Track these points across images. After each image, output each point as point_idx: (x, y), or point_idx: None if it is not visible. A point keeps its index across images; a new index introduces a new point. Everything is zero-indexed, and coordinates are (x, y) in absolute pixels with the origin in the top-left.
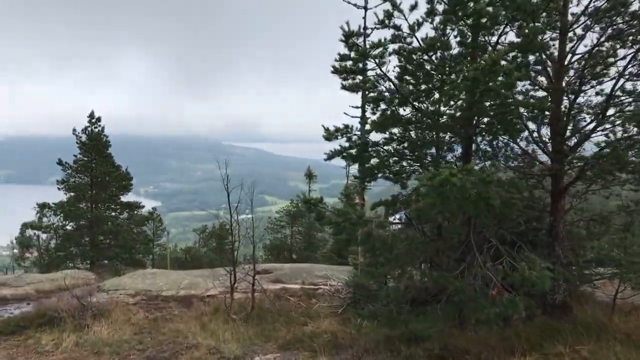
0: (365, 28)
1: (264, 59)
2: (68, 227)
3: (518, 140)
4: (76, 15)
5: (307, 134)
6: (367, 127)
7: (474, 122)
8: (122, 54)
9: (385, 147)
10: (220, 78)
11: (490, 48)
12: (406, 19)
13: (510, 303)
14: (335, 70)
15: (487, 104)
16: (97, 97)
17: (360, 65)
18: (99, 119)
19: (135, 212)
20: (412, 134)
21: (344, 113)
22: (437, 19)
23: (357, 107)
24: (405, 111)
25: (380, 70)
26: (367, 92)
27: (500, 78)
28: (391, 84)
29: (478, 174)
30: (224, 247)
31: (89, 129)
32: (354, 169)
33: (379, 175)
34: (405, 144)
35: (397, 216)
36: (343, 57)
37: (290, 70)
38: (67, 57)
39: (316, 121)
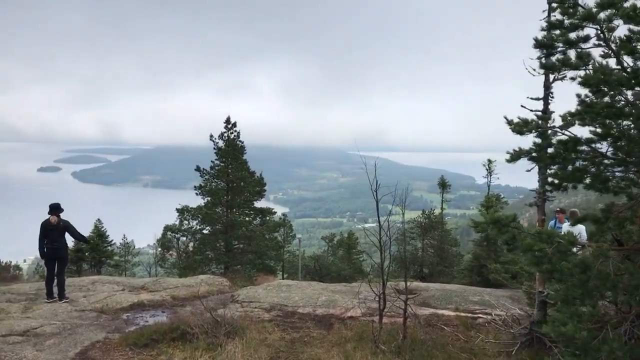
0: None
1: (396, 69)
2: (205, 231)
3: None
4: (223, 26)
5: (433, 143)
6: (551, 122)
7: None
8: (261, 64)
9: (592, 146)
10: (353, 87)
11: None
12: None
13: None
14: (539, 44)
15: None
16: (237, 106)
17: (581, 33)
18: (234, 125)
19: (268, 217)
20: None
21: (521, 106)
22: None
23: (537, 99)
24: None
25: (604, 39)
26: (554, 77)
27: None
28: (615, 59)
29: None
30: (352, 257)
31: (225, 134)
32: (497, 178)
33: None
34: (622, 142)
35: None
36: (552, 25)
37: (420, 79)
38: (212, 67)
39: (442, 131)
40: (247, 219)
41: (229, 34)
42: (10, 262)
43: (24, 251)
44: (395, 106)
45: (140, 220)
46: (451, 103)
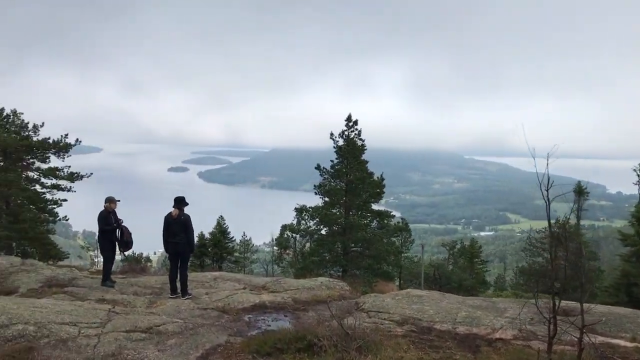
0: None
1: (530, 68)
2: (322, 232)
3: None
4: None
5: (560, 148)
6: None
7: None
8: (383, 61)
9: None
10: (480, 87)
11: None
12: None
13: None
14: None
15: None
16: (356, 106)
17: None
18: (355, 122)
19: (385, 221)
20: None
21: None
22: None
23: None
24: None
25: None
26: None
27: None
28: None
29: None
30: (475, 267)
31: (346, 132)
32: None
33: None
34: None
35: None
36: None
37: (546, 82)
38: (334, 66)
39: (571, 135)
40: (363, 221)
41: (354, 29)
42: (142, 253)
43: (155, 244)
44: (524, 108)
45: (257, 219)
46: (584, 106)
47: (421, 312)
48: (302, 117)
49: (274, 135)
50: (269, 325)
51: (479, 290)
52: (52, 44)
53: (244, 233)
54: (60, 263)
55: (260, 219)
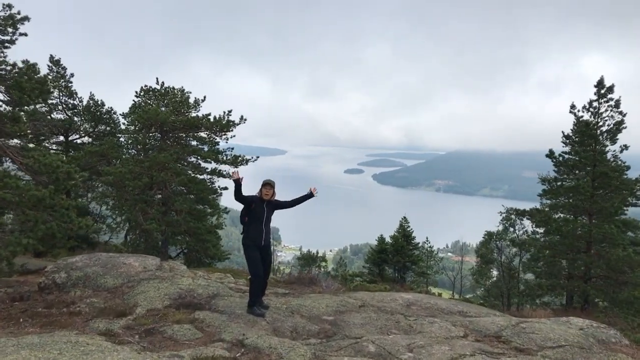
0: None
1: None
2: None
3: None
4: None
5: None
6: None
7: None
8: (594, 52)
9: None
10: None
11: None
12: None
13: None
14: None
15: None
16: (554, 106)
17: None
18: (610, 89)
19: (630, 233)
20: None
21: None
22: None
23: None
24: None
25: None
26: None
27: None
28: None
29: None
30: None
31: (594, 104)
32: None
33: None
34: None
35: None
36: None
37: None
38: (530, 60)
39: None
40: (620, 234)
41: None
42: (317, 251)
43: (331, 242)
44: None
45: (431, 222)
46: None
47: None
48: (483, 119)
49: (451, 137)
50: None
51: None
52: (240, 47)
53: (427, 238)
54: (218, 265)
55: (434, 222)
